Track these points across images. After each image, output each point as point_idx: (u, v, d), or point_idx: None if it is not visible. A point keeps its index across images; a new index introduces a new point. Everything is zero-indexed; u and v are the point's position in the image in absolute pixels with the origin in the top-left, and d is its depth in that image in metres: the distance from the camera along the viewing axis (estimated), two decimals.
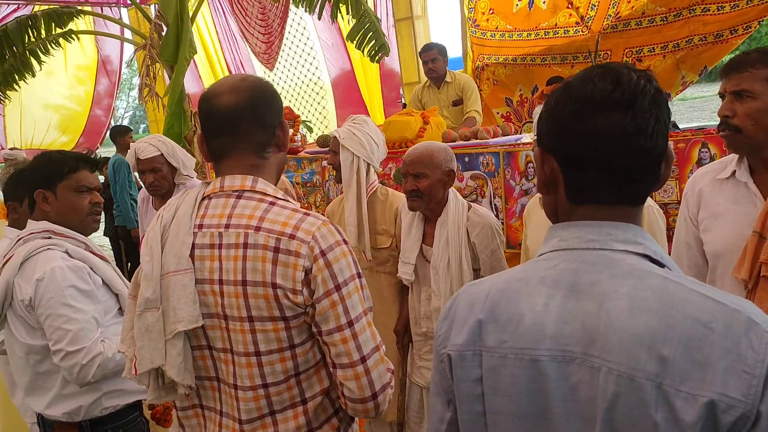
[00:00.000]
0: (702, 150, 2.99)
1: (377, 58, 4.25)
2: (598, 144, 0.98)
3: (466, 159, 3.80)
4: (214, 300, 1.42)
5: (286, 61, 8.30)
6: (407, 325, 2.86)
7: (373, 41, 4.15)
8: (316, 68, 8.14)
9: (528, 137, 4.26)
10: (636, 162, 0.98)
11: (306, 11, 4.23)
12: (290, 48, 8.19)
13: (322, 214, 3.82)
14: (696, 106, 18.76)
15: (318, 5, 4.09)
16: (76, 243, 2.18)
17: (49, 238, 2.12)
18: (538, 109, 2.63)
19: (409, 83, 6.68)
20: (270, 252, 1.36)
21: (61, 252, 2.10)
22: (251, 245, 1.38)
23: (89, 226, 2.26)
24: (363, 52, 4.27)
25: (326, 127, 8.13)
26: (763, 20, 5.02)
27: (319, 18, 4.18)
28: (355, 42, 4.21)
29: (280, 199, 1.45)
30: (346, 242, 1.41)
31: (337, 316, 1.38)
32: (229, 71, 8.88)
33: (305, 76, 8.29)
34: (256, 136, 1.46)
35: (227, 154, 1.47)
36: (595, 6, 5.48)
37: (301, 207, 1.51)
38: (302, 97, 8.43)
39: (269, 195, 1.44)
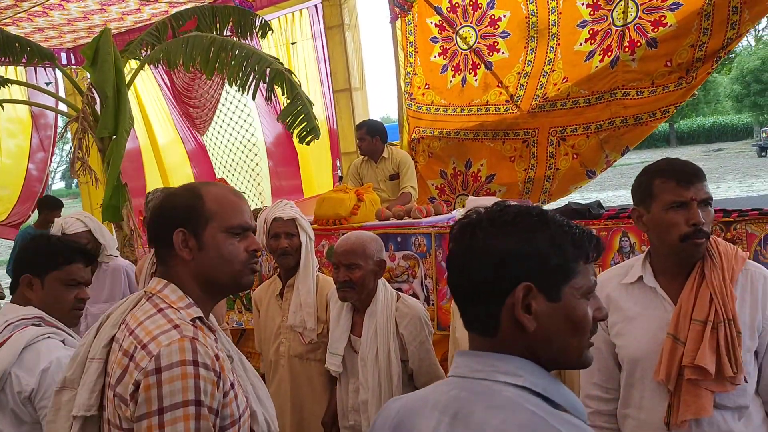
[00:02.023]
0: (623, 239, 3.10)
1: (307, 140, 4.29)
2: (448, 270, 1.13)
3: (399, 239, 3.83)
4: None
5: (219, 125, 8.29)
6: (335, 417, 2.80)
7: (304, 123, 4.19)
8: (252, 134, 8.15)
9: (460, 213, 4.35)
10: (456, 292, 1.10)
11: (239, 91, 4.25)
12: (225, 113, 8.20)
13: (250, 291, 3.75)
14: (624, 173, 19.72)
15: (252, 86, 4.12)
16: (63, 335, 2.11)
17: (40, 325, 2.05)
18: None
19: (346, 153, 6.76)
20: (126, 358, 1.38)
21: (59, 341, 2.05)
22: (122, 348, 1.41)
23: (70, 321, 2.20)
24: (293, 133, 4.31)
25: (260, 194, 8.10)
26: (679, 105, 5.36)
27: (254, 98, 4.22)
28: (286, 123, 4.24)
29: (174, 308, 1.45)
30: (197, 364, 1.33)
31: None
32: (176, 128, 8.80)
33: (242, 137, 8.28)
34: (156, 247, 1.55)
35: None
36: (523, 86, 5.73)
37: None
38: (235, 162, 8.41)
39: (166, 301, 1.46)
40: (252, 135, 8.22)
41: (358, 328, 2.66)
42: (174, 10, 7.20)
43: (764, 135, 29.31)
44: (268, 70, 4.07)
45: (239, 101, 8.07)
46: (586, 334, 1.07)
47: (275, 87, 4.10)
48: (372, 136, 5.22)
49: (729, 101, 41.80)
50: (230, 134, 8.27)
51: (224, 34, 4.78)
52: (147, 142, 8.92)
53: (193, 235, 1.49)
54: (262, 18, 5.08)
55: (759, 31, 40.55)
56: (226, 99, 8.08)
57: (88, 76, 4.75)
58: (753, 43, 41.45)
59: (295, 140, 7.54)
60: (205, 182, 1.67)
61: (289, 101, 4.13)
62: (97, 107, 4.60)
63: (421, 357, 2.61)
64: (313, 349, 2.93)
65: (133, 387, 1.32)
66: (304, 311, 2.89)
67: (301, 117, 4.14)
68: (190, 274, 1.50)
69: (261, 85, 4.29)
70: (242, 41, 4.57)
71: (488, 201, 2.39)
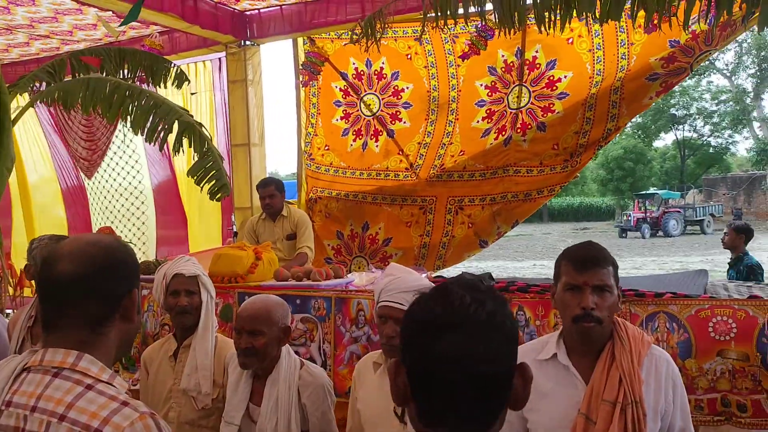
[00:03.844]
0: (518, 313, 3.21)
1: (218, 197, 4.16)
2: (435, 367, 1.00)
3: (298, 301, 3.75)
4: None
5: (104, 168, 7.89)
6: None
7: (215, 180, 4.07)
8: (140, 181, 7.82)
9: (359, 277, 4.34)
10: (474, 385, 0.99)
11: (146, 141, 4.06)
12: (112, 157, 7.83)
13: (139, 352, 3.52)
14: (500, 244, 20.64)
15: (160, 137, 3.94)
16: None
17: None
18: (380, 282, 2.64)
19: (240, 208, 6.61)
20: None
21: None
22: None
23: None
24: (202, 189, 4.15)
25: (144, 243, 7.70)
26: (564, 185, 5.74)
27: (161, 150, 4.05)
28: (195, 178, 4.09)
29: (103, 381, 1.29)
30: None
31: None
32: (53, 167, 8.24)
33: (128, 183, 7.91)
34: (91, 309, 1.34)
35: (54, 326, 1.34)
36: (423, 156, 5.92)
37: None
38: (117, 208, 8.00)
39: (90, 376, 1.29)
40: (139, 182, 7.87)
41: (258, 396, 2.53)
42: (66, 48, 6.89)
43: (625, 218, 31.99)
44: (177, 122, 3.92)
45: (127, 146, 7.74)
46: None
47: (184, 139, 3.94)
48: (281, 192, 5.16)
49: (595, 184, 45.51)
50: (114, 178, 7.86)
51: (134, 80, 4.57)
52: (14, 179, 8.27)
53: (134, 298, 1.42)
54: (178, 67, 4.92)
55: None
56: (113, 143, 7.72)
57: None
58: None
59: (183, 194, 7.46)
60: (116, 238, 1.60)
61: (198, 156, 3.99)
62: None
63: (322, 429, 2.52)
64: (206, 415, 2.75)
65: None
66: (200, 374, 2.73)
67: (213, 173, 4.02)
68: (120, 339, 1.39)
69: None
70: (149, 89, 4.39)
71: (409, 271, 2.39)
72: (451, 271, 6.51)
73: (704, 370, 2.82)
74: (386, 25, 3.17)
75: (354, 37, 3.29)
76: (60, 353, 1.31)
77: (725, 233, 6.92)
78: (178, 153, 3.97)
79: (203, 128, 4.10)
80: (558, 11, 2.40)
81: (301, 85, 6.27)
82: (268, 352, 2.47)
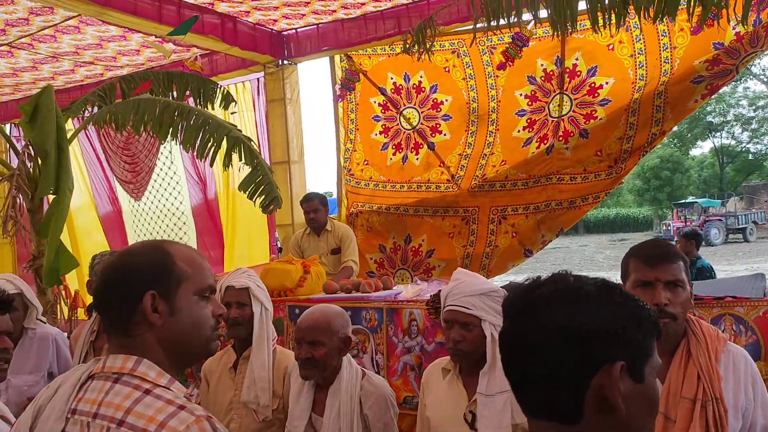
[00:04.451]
0: None
1: (270, 210, 4.22)
2: (508, 351, 1.06)
3: (349, 313, 3.72)
4: None
5: (149, 192, 8.03)
6: None
7: (266, 194, 4.12)
8: (181, 202, 7.94)
9: (404, 290, 4.32)
10: (539, 373, 1.00)
11: (197, 157, 4.13)
12: (155, 179, 7.98)
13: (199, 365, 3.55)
14: (537, 257, 20.50)
15: (210, 153, 4.00)
16: None
17: None
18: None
19: (281, 225, 6.66)
20: None
21: None
22: None
23: None
24: (255, 203, 4.20)
25: None
26: (609, 192, 5.66)
27: (211, 165, 4.10)
28: (247, 193, 4.13)
29: (161, 386, 1.30)
30: None
31: None
32: (90, 192, 8.45)
33: (171, 204, 8.06)
34: (114, 314, 1.39)
35: (105, 334, 1.43)
36: (464, 167, 5.90)
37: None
38: (162, 229, 8.14)
39: (148, 380, 1.30)
40: (180, 203, 8.00)
41: (320, 406, 2.52)
42: (109, 73, 7.08)
43: (664, 228, 31.36)
44: (226, 137, 3.98)
45: (168, 168, 7.88)
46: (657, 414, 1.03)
47: (233, 155, 4.00)
48: (325, 206, 5.21)
49: (631, 195, 44.79)
50: (159, 200, 8.01)
51: (182, 101, 4.66)
52: None
53: (164, 299, 1.36)
54: (225, 88, 5.00)
55: None
56: (155, 164, 7.88)
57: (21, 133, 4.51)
58: None
59: (226, 210, 7.54)
60: (167, 240, 1.57)
61: (249, 170, 4.05)
62: (29, 165, 4.36)
63: None
64: (267, 426, 2.75)
65: None
66: (257, 386, 2.74)
67: (263, 187, 4.07)
68: (157, 342, 1.36)
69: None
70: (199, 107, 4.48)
71: (474, 275, 2.37)
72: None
73: None
74: (436, 33, 3.17)
75: (406, 46, 3.30)
76: (120, 359, 1.33)
77: (676, 241, 7.24)
78: (227, 168, 4.03)
79: (252, 143, 4.15)
80: (613, 12, 2.37)
81: (338, 100, 6.32)
82: (329, 363, 2.47)
